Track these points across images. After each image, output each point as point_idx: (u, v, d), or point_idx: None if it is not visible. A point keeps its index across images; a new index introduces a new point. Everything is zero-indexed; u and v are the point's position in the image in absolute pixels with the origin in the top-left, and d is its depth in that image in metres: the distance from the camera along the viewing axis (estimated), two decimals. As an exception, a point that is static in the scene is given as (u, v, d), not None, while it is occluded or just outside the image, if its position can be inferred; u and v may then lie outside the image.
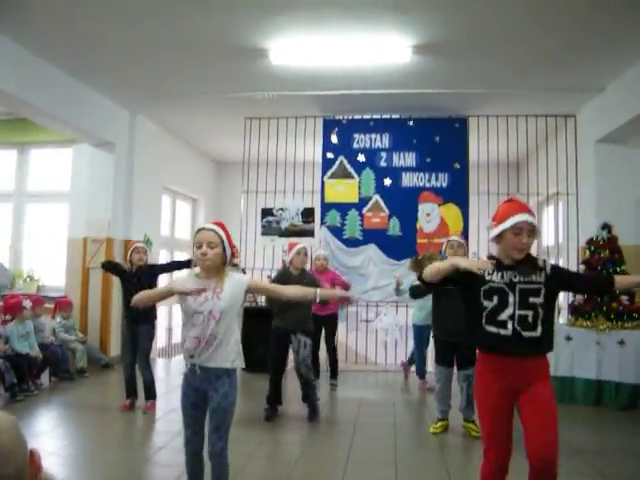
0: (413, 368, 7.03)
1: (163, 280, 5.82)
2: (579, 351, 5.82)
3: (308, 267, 7.48)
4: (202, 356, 2.77)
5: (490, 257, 2.77)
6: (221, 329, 2.76)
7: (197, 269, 2.87)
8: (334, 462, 4.08)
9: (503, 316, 2.61)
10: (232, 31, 5.31)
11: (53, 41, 5.62)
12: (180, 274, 3.09)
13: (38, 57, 5.98)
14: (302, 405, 5.35)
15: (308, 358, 5.14)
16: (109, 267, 5.78)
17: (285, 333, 5.12)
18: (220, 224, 2.89)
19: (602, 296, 5.76)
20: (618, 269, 5.95)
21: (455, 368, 4.88)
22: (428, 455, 4.30)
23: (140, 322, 5.24)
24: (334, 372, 6.87)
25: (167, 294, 2.85)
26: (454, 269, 2.65)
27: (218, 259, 2.79)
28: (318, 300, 2.98)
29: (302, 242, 5.62)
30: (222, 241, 2.80)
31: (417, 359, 6.80)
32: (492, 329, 2.62)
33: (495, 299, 2.63)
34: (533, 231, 2.62)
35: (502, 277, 2.65)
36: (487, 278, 2.67)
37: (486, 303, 2.64)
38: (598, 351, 5.78)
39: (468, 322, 2.76)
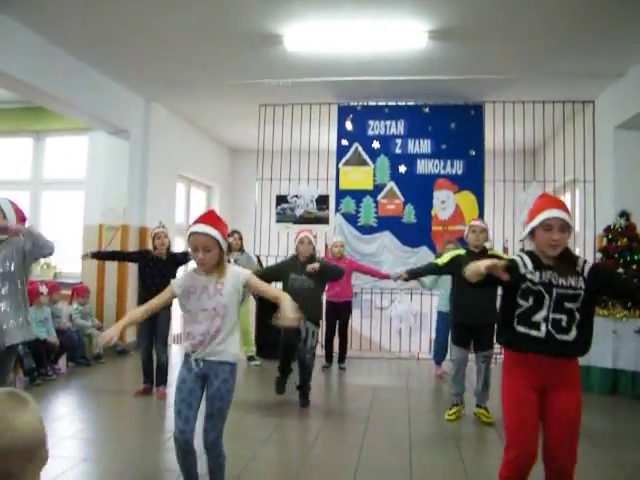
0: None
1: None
2: (595, 339, 5.74)
3: (323, 253, 7.53)
4: (205, 350, 2.77)
5: (528, 253, 2.66)
6: (226, 324, 2.76)
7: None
8: (348, 448, 4.10)
9: (537, 317, 2.53)
10: (247, 17, 5.28)
11: (69, 29, 5.62)
12: (180, 274, 3.05)
13: (53, 45, 5.99)
14: (315, 392, 5.37)
15: (315, 347, 5.12)
16: (101, 257, 6.04)
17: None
18: (213, 220, 2.82)
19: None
20: (636, 257, 5.89)
21: (473, 350, 4.89)
22: (442, 442, 4.30)
23: None
24: (342, 357, 6.99)
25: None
26: (485, 272, 2.52)
27: (215, 260, 2.78)
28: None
29: (315, 229, 5.56)
30: (217, 241, 2.76)
31: (436, 345, 6.79)
32: (523, 330, 2.55)
33: (531, 300, 2.55)
34: (565, 226, 2.52)
35: (541, 277, 2.56)
36: (528, 276, 2.57)
37: (521, 302, 2.57)
38: (614, 340, 5.73)
39: (501, 319, 2.71)
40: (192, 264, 3.04)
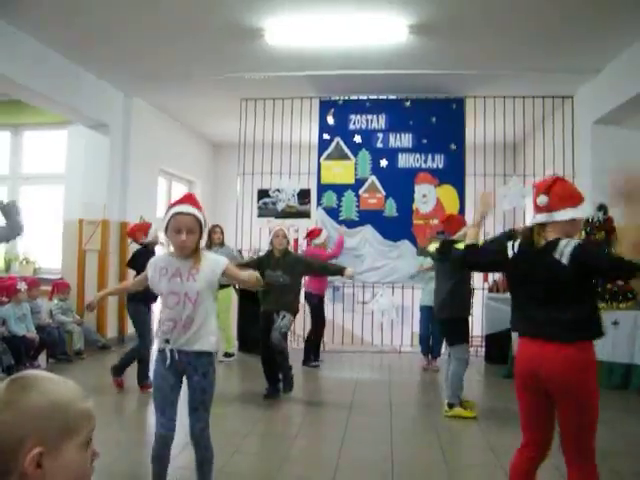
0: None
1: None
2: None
3: (305, 247, 7.54)
4: (180, 340, 2.69)
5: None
6: (199, 312, 2.67)
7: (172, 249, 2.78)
8: (330, 441, 4.12)
9: None
10: (227, 11, 5.25)
11: (48, 22, 5.55)
12: (158, 255, 2.95)
13: (32, 38, 5.91)
14: (297, 386, 5.38)
15: (284, 327, 5.12)
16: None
17: (269, 315, 5.14)
18: (194, 199, 2.76)
19: None
20: (613, 250, 5.97)
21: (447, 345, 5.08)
22: (423, 435, 4.35)
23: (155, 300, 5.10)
24: (317, 353, 6.94)
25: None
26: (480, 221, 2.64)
27: (195, 244, 2.71)
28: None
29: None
30: (200, 224, 2.70)
31: (424, 339, 6.87)
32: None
33: None
34: None
35: None
36: None
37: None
38: (592, 332, 5.80)
39: (594, 309, 2.52)
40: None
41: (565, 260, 2.36)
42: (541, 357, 2.40)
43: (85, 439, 1.06)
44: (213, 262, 2.77)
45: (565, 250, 2.37)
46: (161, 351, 2.76)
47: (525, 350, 2.50)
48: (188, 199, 2.76)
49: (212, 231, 6.86)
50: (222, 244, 6.97)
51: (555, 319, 2.40)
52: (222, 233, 7.00)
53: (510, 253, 2.56)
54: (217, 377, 2.84)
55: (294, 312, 5.24)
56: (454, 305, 4.79)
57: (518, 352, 2.56)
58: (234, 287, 7.29)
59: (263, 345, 5.23)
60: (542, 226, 2.50)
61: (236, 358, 6.97)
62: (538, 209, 2.51)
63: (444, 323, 4.90)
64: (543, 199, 2.46)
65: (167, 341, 2.72)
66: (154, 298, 5.16)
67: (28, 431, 0.99)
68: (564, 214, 2.45)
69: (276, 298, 5.09)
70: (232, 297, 7.15)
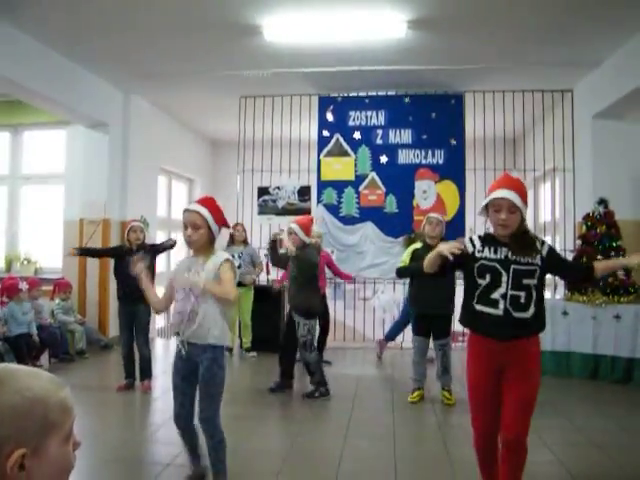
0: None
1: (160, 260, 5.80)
2: (575, 326, 5.86)
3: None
4: (187, 333, 2.85)
5: (484, 234, 2.74)
6: (201, 306, 2.81)
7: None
8: (333, 437, 4.12)
9: (495, 295, 2.56)
10: (225, 8, 5.24)
11: (47, 22, 5.54)
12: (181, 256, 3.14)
13: (31, 37, 5.90)
14: (299, 382, 5.39)
15: (302, 338, 5.10)
16: (85, 253, 5.99)
17: (290, 313, 5.26)
18: (207, 201, 2.92)
19: (584, 283, 5.69)
20: (614, 244, 5.97)
21: (431, 339, 5.08)
22: (425, 430, 4.35)
23: (137, 300, 5.01)
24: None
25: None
26: (441, 257, 2.59)
27: (203, 239, 2.85)
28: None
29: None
30: (207, 221, 2.82)
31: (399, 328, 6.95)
32: (482, 308, 2.60)
33: (488, 277, 2.58)
34: (514, 207, 2.51)
35: (495, 252, 2.59)
36: (478, 255, 2.62)
37: (480, 281, 2.60)
38: (594, 325, 5.81)
39: (463, 301, 2.75)
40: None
41: None
42: None
43: (67, 432, 1.01)
44: (215, 259, 2.87)
45: None
46: (178, 344, 2.93)
47: None
48: (199, 199, 2.96)
49: (234, 229, 6.91)
50: (245, 242, 7.02)
51: None
52: (245, 231, 7.05)
53: None
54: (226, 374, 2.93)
55: (306, 314, 5.12)
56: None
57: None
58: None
59: (282, 341, 5.45)
60: None
61: (255, 355, 7.01)
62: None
63: (443, 318, 5.04)
64: None
65: (177, 333, 2.91)
66: None
67: (6, 433, 0.91)
68: None
69: (292, 295, 5.23)
70: (251, 298, 7.13)
